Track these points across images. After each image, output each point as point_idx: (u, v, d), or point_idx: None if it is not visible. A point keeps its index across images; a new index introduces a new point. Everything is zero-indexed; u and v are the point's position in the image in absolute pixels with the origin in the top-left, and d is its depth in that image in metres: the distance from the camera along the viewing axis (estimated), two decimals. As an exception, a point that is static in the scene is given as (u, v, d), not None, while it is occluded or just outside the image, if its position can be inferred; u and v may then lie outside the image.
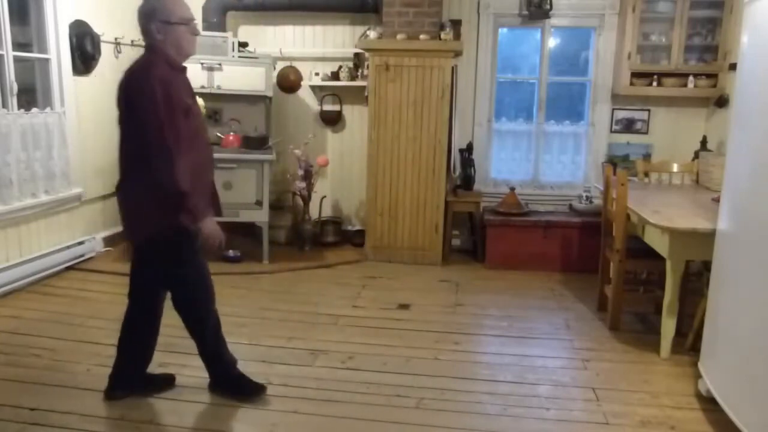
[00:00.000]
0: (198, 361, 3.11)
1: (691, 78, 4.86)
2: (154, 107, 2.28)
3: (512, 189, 5.16)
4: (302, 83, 5.41)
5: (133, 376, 2.73)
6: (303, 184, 5.18)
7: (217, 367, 2.78)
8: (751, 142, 2.50)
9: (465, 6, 5.19)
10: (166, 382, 2.84)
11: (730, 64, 4.66)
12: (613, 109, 5.25)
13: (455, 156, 5.16)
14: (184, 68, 2.50)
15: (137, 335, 2.71)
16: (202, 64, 4.83)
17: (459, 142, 5.20)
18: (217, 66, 4.87)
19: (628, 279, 3.81)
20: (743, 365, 2.46)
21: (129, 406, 2.66)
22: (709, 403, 2.75)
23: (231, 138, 4.87)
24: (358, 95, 5.34)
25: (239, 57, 4.91)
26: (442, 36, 4.77)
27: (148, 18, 2.41)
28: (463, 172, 5.19)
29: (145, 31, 2.44)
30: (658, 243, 3.29)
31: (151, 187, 2.37)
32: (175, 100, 2.34)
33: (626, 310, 3.79)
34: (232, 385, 2.77)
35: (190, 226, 2.44)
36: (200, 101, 4.58)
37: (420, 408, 2.74)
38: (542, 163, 5.46)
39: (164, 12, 2.38)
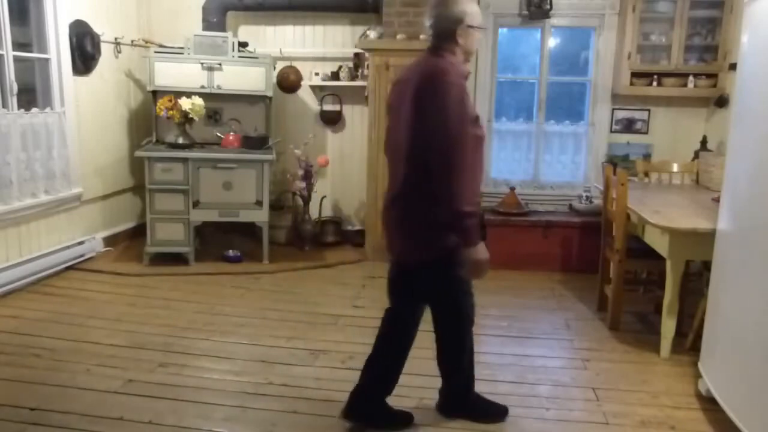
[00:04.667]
0: (199, 361, 3.12)
1: (691, 78, 4.86)
2: (446, 115, 2.13)
3: (512, 189, 5.16)
4: (302, 83, 5.41)
5: (371, 403, 2.56)
6: (303, 184, 5.18)
7: (461, 392, 2.67)
8: (751, 142, 2.50)
9: (465, 6, 5.18)
10: (405, 419, 2.62)
11: (730, 64, 4.66)
12: (613, 109, 5.25)
13: (455, 156, 5.15)
14: (468, 74, 2.38)
15: (386, 357, 2.55)
16: (202, 64, 4.83)
17: (459, 142, 5.19)
18: (217, 66, 4.86)
19: (628, 279, 3.81)
20: (743, 365, 2.46)
21: (129, 407, 2.66)
22: (709, 403, 2.75)
23: (231, 138, 4.87)
24: (358, 95, 5.34)
25: (239, 57, 4.90)
26: (442, 36, 4.76)
27: (457, 22, 2.28)
28: (463, 172, 5.18)
29: (447, 34, 2.30)
30: (658, 243, 3.29)
31: (432, 204, 2.20)
32: (468, 108, 2.19)
33: (626, 310, 3.78)
34: (470, 408, 2.67)
35: (460, 248, 2.24)
36: (200, 101, 4.63)
37: (420, 408, 2.74)
38: (542, 163, 5.45)
39: (473, 17, 2.31)
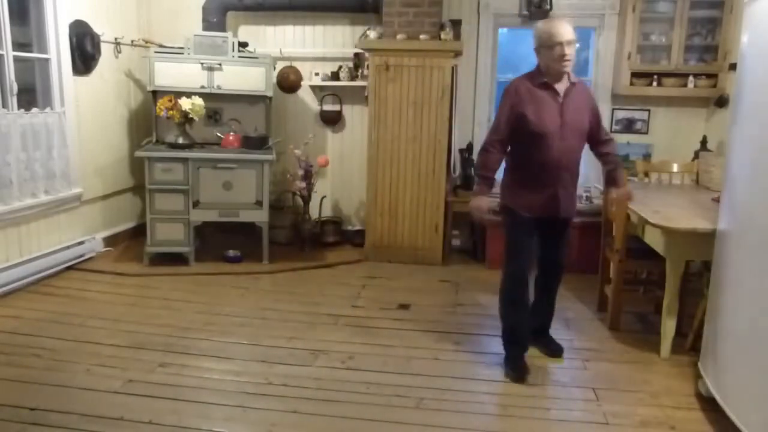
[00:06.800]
0: (199, 361, 3.13)
1: (691, 78, 4.86)
2: (497, 116, 3.04)
3: (512, 189, 5.14)
4: (302, 83, 5.41)
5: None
6: (303, 184, 5.18)
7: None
8: (751, 142, 2.50)
9: (465, 6, 5.18)
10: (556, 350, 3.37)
11: (730, 64, 4.66)
12: (613, 109, 5.25)
13: (455, 156, 5.16)
14: (542, 82, 2.96)
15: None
16: (202, 64, 4.83)
17: (459, 142, 5.20)
18: (217, 66, 4.86)
19: (628, 279, 3.81)
20: (743, 365, 2.46)
21: (129, 407, 2.67)
22: (709, 403, 2.75)
23: (231, 138, 4.87)
24: (358, 95, 5.34)
25: (239, 57, 4.90)
26: (442, 36, 4.76)
27: (535, 43, 2.98)
28: (463, 172, 5.19)
29: (537, 54, 3.00)
30: (658, 243, 3.29)
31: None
32: (511, 108, 2.95)
33: (626, 310, 3.79)
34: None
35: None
36: (200, 101, 4.64)
37: (420, 408, 2.74)
38: (542, 163, 5.45)
39: (540, 39, 2.94)
